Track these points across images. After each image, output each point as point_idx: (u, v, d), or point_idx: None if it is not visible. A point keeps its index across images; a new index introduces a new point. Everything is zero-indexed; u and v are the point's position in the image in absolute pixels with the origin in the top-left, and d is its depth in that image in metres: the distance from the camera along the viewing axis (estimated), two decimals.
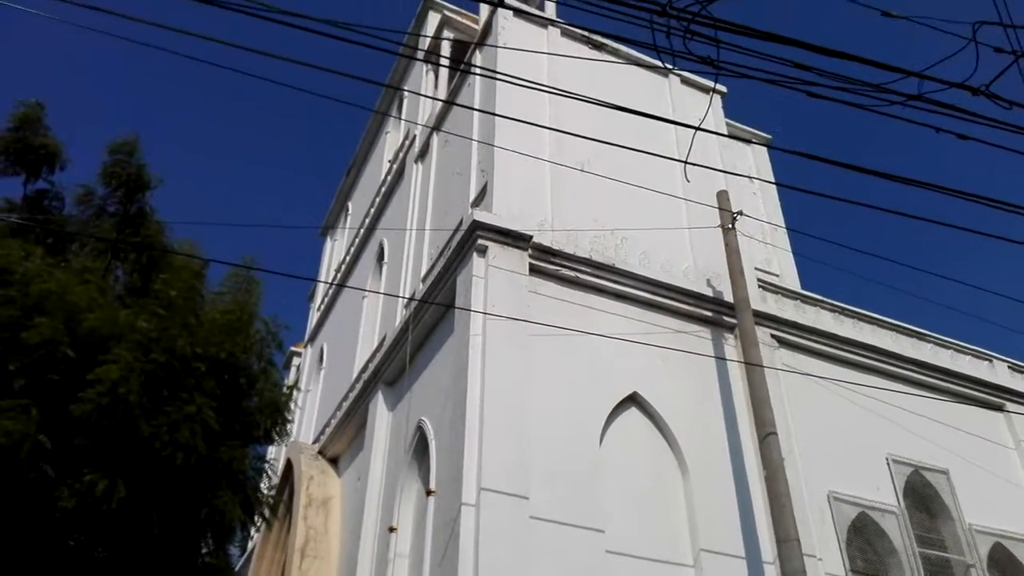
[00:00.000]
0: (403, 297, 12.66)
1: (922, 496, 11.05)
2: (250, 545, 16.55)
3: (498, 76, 10.21)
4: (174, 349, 5.55)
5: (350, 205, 20.89)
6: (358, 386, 13.32)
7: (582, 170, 11.33)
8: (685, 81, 13.80)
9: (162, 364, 5.47)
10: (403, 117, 17.31)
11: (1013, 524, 11.35)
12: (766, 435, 8.54)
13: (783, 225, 14.31)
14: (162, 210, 8.26)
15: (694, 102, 13.50)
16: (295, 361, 21.44)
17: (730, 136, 14.46)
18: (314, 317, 20.91)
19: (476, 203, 11.07)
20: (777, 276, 13.24)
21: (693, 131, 8.78)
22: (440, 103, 14.50)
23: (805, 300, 12.13)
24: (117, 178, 7.79)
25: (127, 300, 6.23)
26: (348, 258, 18.68)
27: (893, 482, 10.72)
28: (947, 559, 10.62)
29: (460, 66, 14.15)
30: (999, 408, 12.68)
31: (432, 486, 9.19)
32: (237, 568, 14.61)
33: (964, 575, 10.55)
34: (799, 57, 4.84)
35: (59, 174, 8.22)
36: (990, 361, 13.23)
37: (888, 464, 10.86)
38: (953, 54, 4.92)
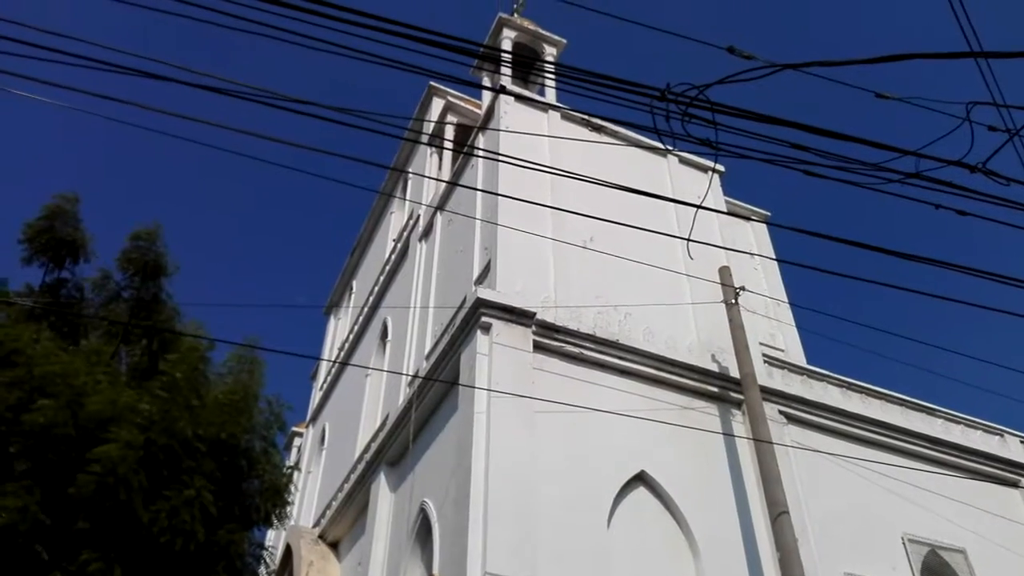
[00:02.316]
0: (407, 375, 12.60)
1: None
2: None
3: (500, 158, 10.46)
4: (174, 431, 5.51)
5: (354, 284, 21.02)
6: (360, 467, 13.12)
7: (584, 247, 11.45)
8: (684, 161, 14.09)
9: (162, 446, 5.41)
10: (407, 198, 17.61)
11: None
12: (778, 514, 8.35)
13: (786, 300, 14.34)
14: (174, 293, 8.35)
15: (693, 180, 13.75)
16: (296, 441, 21.17)
17: (730, 214, 14.65)
18: (316, 396, 20.75)
19: (480, 280, 11.15)
20: (782, 351, 13.19)
21: (694, 209, 8.95)
22: (444, 184, 14.79)
23: (811, 375, 12.05)
24: (135, 264, 7.91)
25: (133, 384, 6.22)
26: (351, 336, 18.68)
27: (910, 562, 10.42)
28: None
29: (463, 149, 14.49)
30: (1014, 484, 12.42)
31: (436, 571, 8.94)
32: None
33: None
34: (796, 138, 4.96)
35: (83, 265, 8.35)
36: (1002, 436, 13.04)
37: (904, 544, 10.57)
38: (948, 133, 5.03)
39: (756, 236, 15.86)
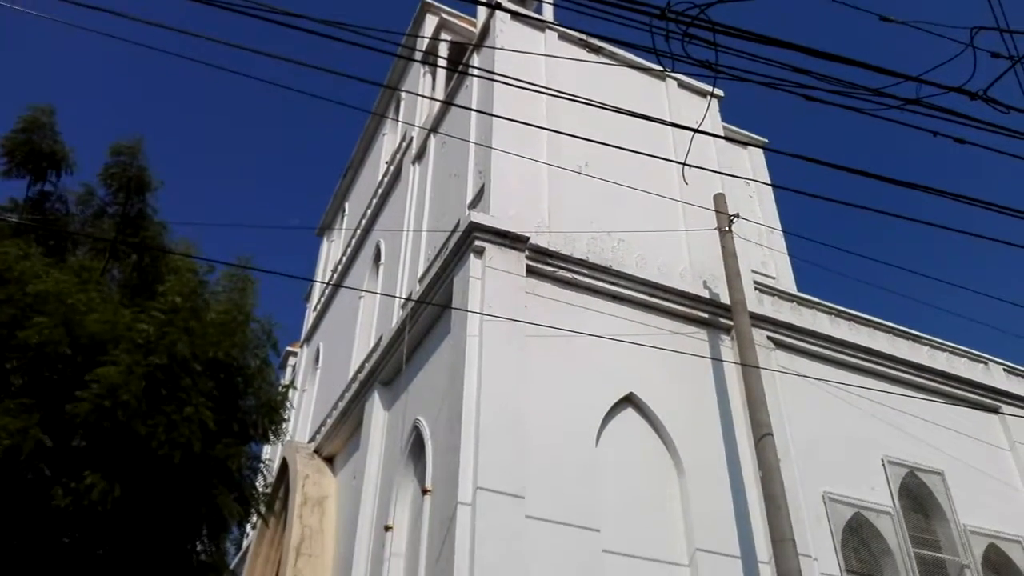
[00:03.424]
0: (400, 298, 12.67)
1: (917, 497, 11.09)
2: (245, 543, 16.54)
3: (496, 77, 10.25)
4: (173, 352, 5.55)
5: (347, 206, 20.90)
6: (354, 386, 13.33)
7: (579, 172, 11.36)
8: (682, 85, 13.84)
9: (161, 366, 5.47)
10: (400, 119, 17.33)
11: (1008, 525, 11.40)
12: (762, 436, 8.57)
13: (779, 228, 14.35)
14: (161, 210, 8.27)
15: (691, 106, 13.55)
16: (291, 361, 21.45)
17: (727, 139, 14.49)
18: (310, 317, 20.91)
19: (473, 205, 11.09)
20: (774, 279, 13.27)
21: (691, 133, 8.84)
22: (437, 105, 14.52)
23: (801, 302, 12.17)
24: (118, 179, 7.79)
25: (125, 301, 6.23)
26: (344, 259, 18.69)
27: (888, 483, 10.76)
28: (942, 560, 10.66)
29: (458, 68, 14.17)
30: (994, 410, 12.73)
31: (428, 485, 9.21)
32: (232, 566, 14.60)
33: (959, 575, 10.59)
34: (797, 61, 4.87)
35: (65, 178, 8.23)
36: (986, 364, 13.29)
37: (884, 465, 10.89)
38: (951, 59, 4.95)
39: (752, 163, 15.74)
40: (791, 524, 7.93)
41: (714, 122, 13.89)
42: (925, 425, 11.54)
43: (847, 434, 10.80)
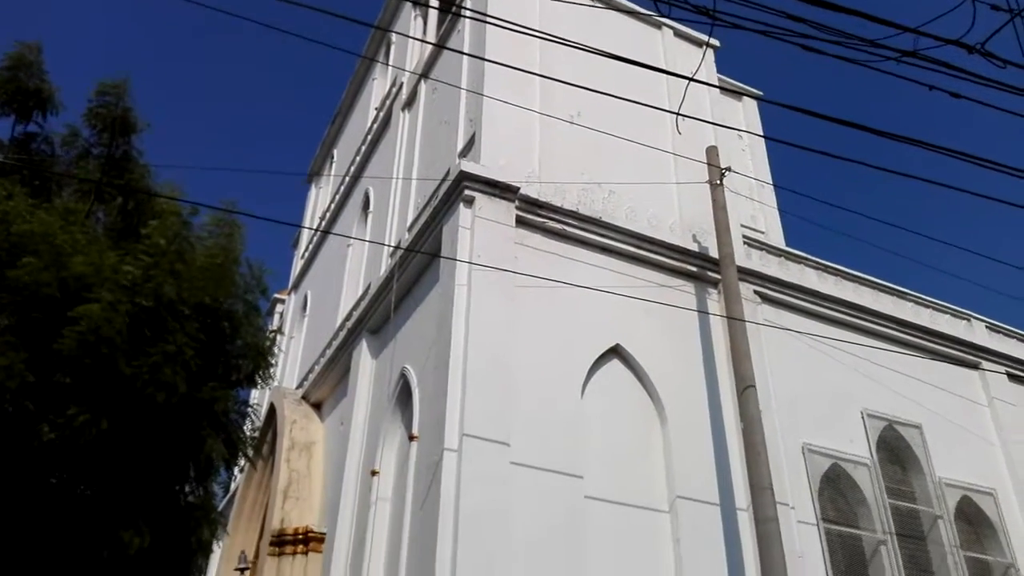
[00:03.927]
0: (388, 245, 12.62)
1: (894, 449, 11.34)
2: (233, 486, 16.75)
3: (488, 19, 10.04)
4: (160, 294, 5.52)
5: (335, 153, 20.65)
6: (342, 334, 13.36)
7: (571, 122, 11.25)
8: (678, 34, 13.64)
9: (146, 308, 5.45)
10: (391, 63, 17.02)
11: (981, 478, 11.69)
12: (745, 388, 8.68)
13: (770, 182, 14.32)
14: (147, 153, 8.13)
15: (686, 56, 13.37)
16: (278, 308, 21.43)
17: (721, 89, 14.34)
18: (298, 264, 20.83)
19: (464, 153, 10.98)
20: (763, 233, 13.29)
21: (685, 83, 8.75)
22: (428, 50, 14.26)
23: (789, 257, 12.22)
24: (102, 120, 7.64)
25: (110, 243, 6.17)
26: (333, 206, 18.54)
27: (867, 435, 10.98)
28: (916, 510, 10.94)
29: (450, 9, 13.87)
30: (974, 366, 12.93)
31: (415, 432, 9.31)
32: (220, 508, 14.80)
33: (932, 526, 10.89)
34: (793, 9, 4.79)
35: (51, 119, 8.06)
36: (968, 320, 13.45)
37: (863, 418, 11.10)
38: (949, 11, 4.89)
39: (746, 117, 15.62)
40: (770, 473, 8.09)
41: (709, 72, 13.73)
42: (905, 380, 11.72)
43: (828, 388, 10.97)
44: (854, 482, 10.52)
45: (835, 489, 10.51)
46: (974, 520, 11.48)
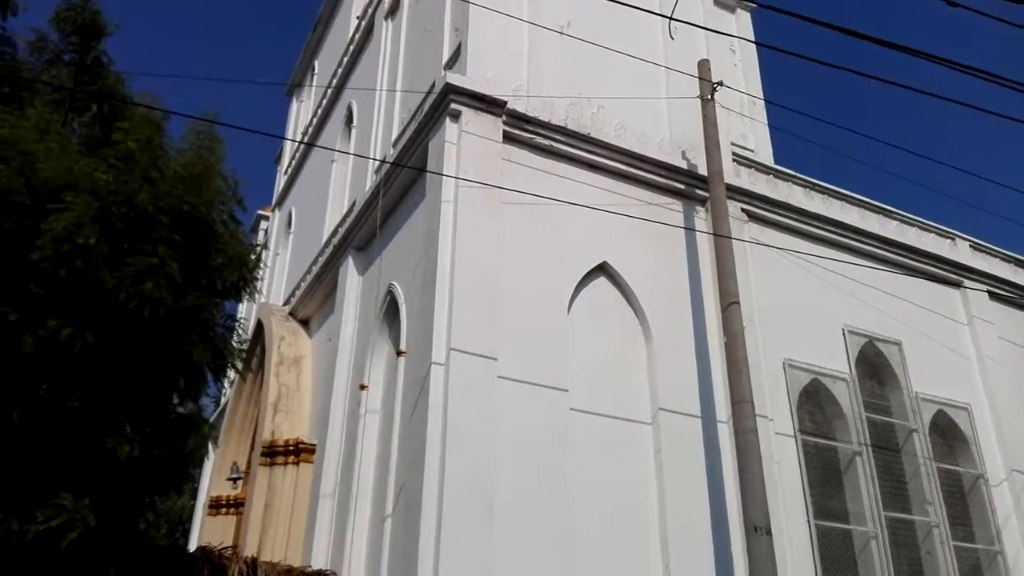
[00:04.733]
0: (373, 159, 12.41)
1: (874, 365, 11.57)
2: (223, 400, 16.99)
3: None
4: (134, 202, 5.41)
5: (317, 64, 20.07)
6: (328, 251, 13.29)
7: (561, 33, 10.94)
8: None
9: (122, 216, 5.34)
10: None
11: (957, 394, 12.00)
12: (729, 304, 8.75)
13: (762, 98, 14.07)
14: (121, 62, 7.86)
15: None
16: (263, 225, 21.24)
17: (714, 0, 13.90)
18: (281, 181, 20.53)
19: (449, 65, 10.69)
20: (752, 151, 13.15)
21: None
22: None
23: (778, 175, 12.15)
24: (71, 23, 7.32)
25: (85, 153, 6.01)
26: (315, 120, 18.14)
27: (847, 351, 11.18)
28: (892, 424, 11.26)
29: None
30: (957, 285, 13.08)
31: (402, 347, 9.40)
32: (211, 421, 15.03)
33: (907, 439, 11.22)
34: None
35: (11, 20, 7.71)
36: (952, 239, 13.53)
37: (844, 335, 11.28)
38: None
39: (739, 30, 15.19)
40: (751, 387, 8.25)
41: None
42: (888, 298, 11.86)
43: (811, 304, 11.09)
44: (832, 396, 10.78)
45: (814, 403, 10.77)
46: (948, 433, 11.84)
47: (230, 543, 11.44)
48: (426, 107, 9.91)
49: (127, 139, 5.89)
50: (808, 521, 9.57)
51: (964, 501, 11.44)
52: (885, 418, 11.25)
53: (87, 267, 5.06)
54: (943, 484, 11.14)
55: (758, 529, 7.42)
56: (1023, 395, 12.63)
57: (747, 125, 13.50)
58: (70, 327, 5.06)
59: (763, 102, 13.70)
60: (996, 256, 14.13)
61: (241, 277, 6.24)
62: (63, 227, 5.05)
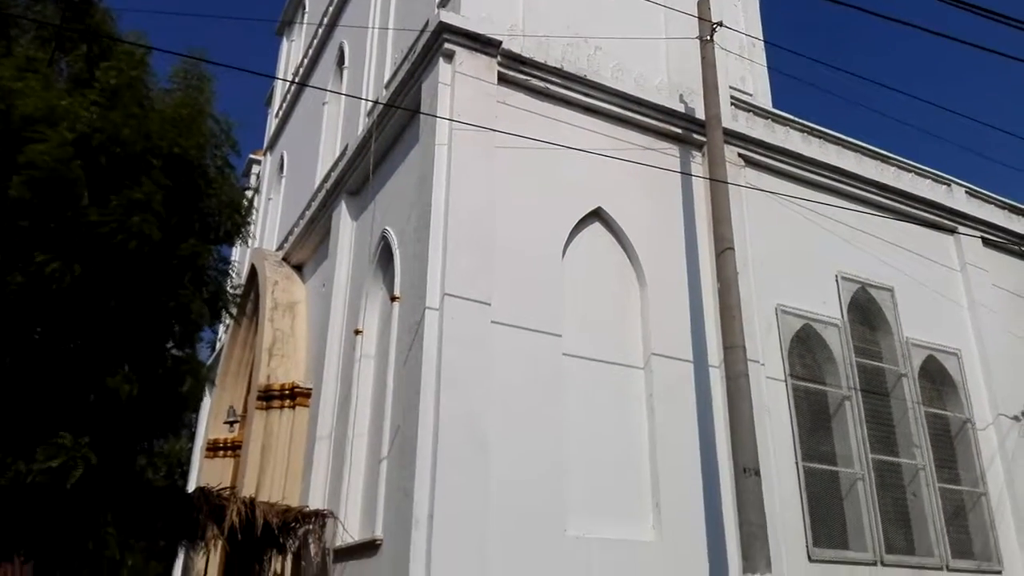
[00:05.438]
0: (366, 99, 12.19)
1: (866, 311, 11.64)
2: (219, 345, 17.06)
3: None
4: (120, 138, 5.31)
5: (307, 1, 19.57)
6: (320, 195, 13.17)
7: None
8: None
9: (108, 154, 5.23)
10: None
11: (948, 339, 12.10)
12: (723, 250, 8.74)
13: (761, 38, 13.82)
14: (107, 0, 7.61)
15: None
16: (255, 169, 20.99)
17: None
18: (272, 124, 20.22)
19: (443, 3, 10.42)
20: (751, 95, 12.97)
21: None
22: None
23: (776, 119, 12.01)
24: None
25: (74, 93, 5.87)
26: (306, 61, 17.77)
27: (840, 297, 11.23)
28: (881, 368, 11.39)
29: None
30: (951, 231, 13.07)
31: (397, 293, 9.40)
32: (207, 365, 15.11)
33: (896, 383, 11.36)
34: None
35: None
36: (949, 185, 13.47)
37: (837, 281, 11.31)
38: None
39: None
40: (743, 332, 8.30)
41: None
42: (882, 244, 11.86)
43: (805, 250, 11.09)
44: (824, 341, 10.87)
45: (805, 347, 10.86)
46: (937, 378, 11.99)
47: (228, 484, 11.63)
48: (419, 47, 9.71)
49: (107, 76, 5.75)
50: (796, 463, 9.75)
51: (951, 444, 11.64)
52: (875, 363, 11.37)
53: (69, 199, 4.99)
54: (930, 428, 11.33)
55: (747, 471, 7.56)
56: (1013, 341, 12.75)
57: (746, 68, 13.30)
58: (57, 261, 5.00)
59: (763, 43, 13.46)
60: (991, 203, 14.10)
61: (235, 223, 6.18)
62: (40, 158, 4.94)
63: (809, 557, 9.31)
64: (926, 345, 11.82)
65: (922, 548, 10.49)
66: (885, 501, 10.45)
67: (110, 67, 5.87)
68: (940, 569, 10.36)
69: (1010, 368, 12.38)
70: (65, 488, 5.03)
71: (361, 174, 11.40)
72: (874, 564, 9.82)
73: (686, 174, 10.54)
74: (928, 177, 13.25)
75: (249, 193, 6.88)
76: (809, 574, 9.20)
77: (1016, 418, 11.99)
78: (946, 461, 11.39)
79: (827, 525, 9.83)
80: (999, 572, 10.84)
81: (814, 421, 10.47)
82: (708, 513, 8.81)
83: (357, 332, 10.32)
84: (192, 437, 19.48)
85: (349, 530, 9.23)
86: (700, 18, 10.28)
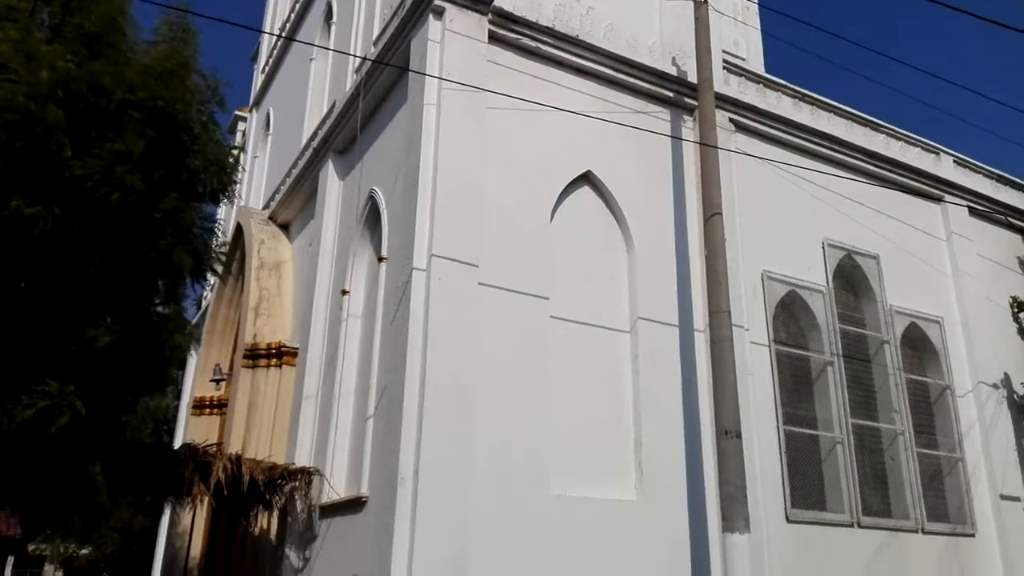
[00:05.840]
0: (354, 55, 11.99)
1: (851, 278, 11.72)
2: (204, 303, 16.99)
3: None
4: (100, 87, 5.20)
5: None
6: (307, 154, 13.02)
7: None
8: None
9: (87, 102, 5.13)
10: None
11: (931, 307, 12.23)
12: (711, 215, 8.74)
13: (756, 1, 13.66)
14: None
15: None
16: (240, 125, 20.68)
17: None
18: (258, 80, 19.88)
19: None
20: (744, 60, 12.86)
21: None
22: None
23: (768, 84, 11.94)
24: None
25: (51, 41, 5.74)
26: (293, 16, 17.42)
27: (825, 264, 11.30)
28: (864, 335, 11.51)
29: None
30: (938, 200, 13.11)
31: (384, 253, 9.37)
32: (193, 322, 15.06)
33: (878, 350, 11.50)
34: None
35: None
36: (937, 154, 13.48)
37: (823, 248, 11.36)
38: None
39: None
40: (729, 298, 8.35)
41: None
42: (869, 212, 11.90)
43: (793, 217, 11.12)
44: (808, 307, 10.96)
45: (789, 313, 10.95)
46: (918, 346, 12.13)
47: (214, 442, 11.68)
48: (408, 2, 9.54)
49: (87, 21, 5.61)
50: (777, 426, 9.89)
51: (930, 410, 11.83)
52: (858, 329, 11.49)
53: (48, 144, 4.90)
54: (910, 394, 11.50)
55: (728, 433, 7.67)
56: (995, 310, 12.91)
57: (739, 31, 13.17)
58: (36, 205, 4.94)
59: (757, 7, 13.32)
60: (979, 172, 14.14)
61: (220, 181, 6.10)
62: (16, 98, 4.84)
63: (787, 518, 9.50)
64: (909, 312, 11.94)
65: (898, 511, 10.72)
66: (863, 464, 10.65)
67: (88, 12, 5.72)
68: (915, 531, 10.60)
69: (991, 337, 12.54)
70: (50, 434, 5.03)
71: (349, 133, 11.28)
72: (851, 526, 10.03)
73: (676, 138, 10.50)
74: (917, 145, 13.25)
75: (235, 151, 6.77)
76: (787, 534, 9.40)
77: (995, 386, 12.19)
78: (925, 427, 11.59)
79: (806, 487, 10.01)
80: (972, 535, 11.11)
81: (796, 386, 10.60)
82: (690, 474, 8.95)
83: (344, 292, 10.30)
84: (178, 394, 19.49)
85: (335, 487, 9.32)
86: None
